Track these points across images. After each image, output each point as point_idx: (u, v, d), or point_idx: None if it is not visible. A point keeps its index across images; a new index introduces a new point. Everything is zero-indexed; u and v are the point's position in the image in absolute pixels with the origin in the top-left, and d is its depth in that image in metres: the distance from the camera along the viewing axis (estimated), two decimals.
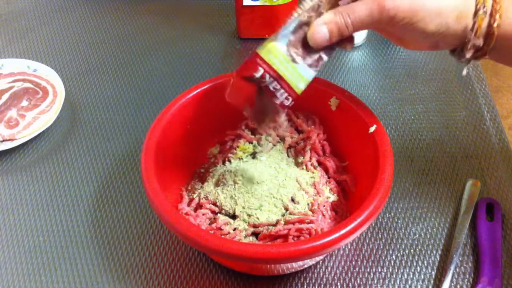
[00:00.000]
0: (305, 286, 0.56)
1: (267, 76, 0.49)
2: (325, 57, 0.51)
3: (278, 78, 0.50)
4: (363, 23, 0.47)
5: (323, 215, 0.56)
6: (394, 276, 0.57)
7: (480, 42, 0.47)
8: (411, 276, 0.56)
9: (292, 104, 0.51)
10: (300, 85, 0.50)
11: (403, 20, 0.46)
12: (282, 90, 0.50)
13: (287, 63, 0.50)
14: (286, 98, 0.51)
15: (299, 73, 0.50)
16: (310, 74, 0.50)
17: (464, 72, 0.52)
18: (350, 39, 0.50)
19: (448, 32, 0.47)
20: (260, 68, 0.49)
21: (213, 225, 0.55)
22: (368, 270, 0.57)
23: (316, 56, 0.50)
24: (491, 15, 0.46)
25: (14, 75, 0.78)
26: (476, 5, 0.46)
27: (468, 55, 0.49)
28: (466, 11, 0.46)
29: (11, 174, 0.68)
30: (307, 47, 0.49)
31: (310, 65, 0.50)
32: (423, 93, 0.77)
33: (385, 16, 0.46)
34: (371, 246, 0.59)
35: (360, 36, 0.84)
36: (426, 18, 0.46)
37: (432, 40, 0.48)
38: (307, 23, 0.49)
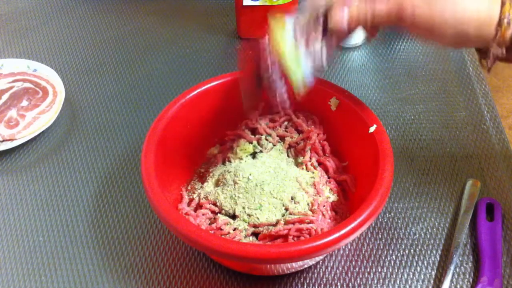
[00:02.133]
0: (305, 286, 0.56)
1: (274, 70, 0.50)
2: (325, 65, 0.51)
3: (284, 76, 0.50)
4: (382, 21, 0.48)
5: (323, 215, 0.56)
6: (394, 276, 0.57)
7: (502, 51, 0.47)
8: (411, 276, 0.56)
9: (288, 103, 0.51)
10: (300, 90, 0.51)
11: (421, 25, 0.47)
12: (283, 90, 0.51)
13: (294, 62, 0.50)
14: (284, 100, 0.52)
15: (302, 76, 0.50)
16: (310, 79, 0.51)
17: (484, 73, 0.52)
18: (375, 28, 0.51)
19: (468, 39, 0.47)
20: (270, 66, 0.50)
21: (213, 225, 0.55)
22: (368, 270, 0.57)
23: (319, 58, 0.51)
24: None
25: (14, 75, 0.78)
26: (500, 16, 0.45)
27: (490, 63, 0.48)
28: (488, 21, 0.46)
29: (11, 174, 0.68)
30: (315, 43, 0.50)
31: (311, 72, 0.51)
32: (423, 93, 0.77)
33: (404, 20, 0.47)
34: (371, 246, 0.59)
35: (360, 36, 0.84)
36: (444, 27, 0.46)
37: (453, 42, 0.48)
38: (324, 14, 0.50)
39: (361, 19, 0.48)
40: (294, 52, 0.50)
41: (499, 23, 0.46)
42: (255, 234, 0.56)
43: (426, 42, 0.52)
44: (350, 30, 0.49)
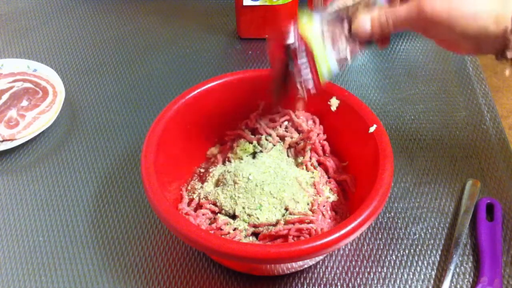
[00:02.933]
0: (305, 286, 0.56)
1: (301, 49, 0.51)
2: (349, 59, 0.53)
3: (310, 57, 0.51)
4: (403, 24, 0.50)
5: (323, 215, 0.56)
6: (394, 276, 0.57)
7: None
8: (411, 276, 0.56)
9: (314, 91, 0.53)
10: (325, 75, 0.52)
11: (441, 24, 0.48)
12: (308, 70, 0.52)
13: (321, 47, 0.52)
14: (308, 81, 0.52)
15: (327, 62, 0.52)
16: (335, 67, 0.52)
17: (507, 73, 0.52)
18: (387, 38, 0.53)
19: (488, 35, 0.47)
20: (297, 41, 0.51)
21: (213, 225, 0.55)
22: (368, 270, 0.57)
23: (344, 53, 0.52)
24: None
25: (14, 75, 0.78)
26: None
27: (510, 55, 0.48)
28: (504, 14, 0.46)
29: (11, 174, 0.68)
30: (339, 40, 0.53)
31: (336, 60, 0.53)
32: (423, 93, 0.77)
33: (423, 19, 0.48)
34: (371, 246, 0.59)
35: None
36: (464, 22, 0.47)
37: (474, 42, 0.49)
38: (348, 16, 0.52)
39: (383, 23, 0.50)
40: (321, 39, 0.52)
41: None
42: (255, 234, 0.56)
43: (445, 47, 0.53)
44: (373, 35, 0.51)
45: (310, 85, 0.53)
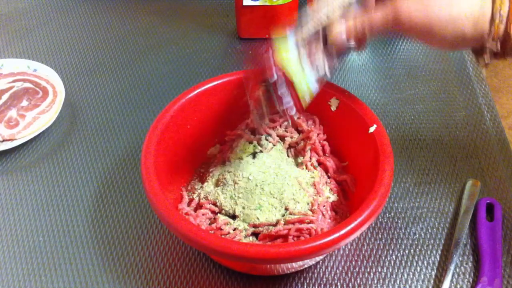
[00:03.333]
0: (305, 286, 0.56)
1: (280, 81, 0.51)
2: (328, 74, 0.53)
3: (290, 85, 0.51)
4: (379, 30, 0.50)
5: (323, 215, 0.56)
6: (394, 276, 0.57)
7: (497, 47, 0.47)
8: (411, 276, 0.56)
9: (297, 115, 0.52)
10: (306, 98, 0.52)
11: (418, 28, 0.48)
12: (289, 98, 0.52)
13: (299, 72, 0.51)
14: (291, 108, 0.53)
15: (307, 85, 0.52)
16: (315, 87, 0.53)
17: (484, 72, 0.53)
18: (363, 43, 0.52)
19: (465, 38, 0.48)
20: (275, 74, 0.51)
21: (213, 225, 0.55)
22: (368, 270, 0.57)
23: (322, 71, 0.52)
24: (508, 21, 0.46)
25: (14, 75, 0.78)
26: (492, 12, 0.46)
27: (487, 59, 0.49)
28: (482, 18, 0.46)
29: (11, 174, 0.68)
30: (316, 58, 0.52)
31: (316, 81, 0.52)
32: (423, 93, 0.77)
33: (400, 24, 0.48)
34: (371, 246, 0.59)
35: None
36: (441, 28, 0.47)
37: (451, 44, 0.49)
38: (323, 28, 0.52)
39: (358, 29, 0.50)
40: (298, 63, 0.51)
41: (492, 18, 0.46)
42: (255, 234, 0.56)
43: (424, 44, 0.53)
44: (349, 42, 0.51)
45: (293, 111, 0.53)
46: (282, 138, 0.64)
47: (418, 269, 0.57)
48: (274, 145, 0.63)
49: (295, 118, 0.56)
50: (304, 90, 0.52)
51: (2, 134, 0.70)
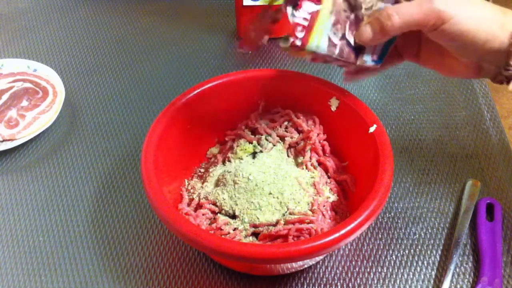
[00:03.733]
0: (305, 286, 0.56)
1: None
2: (336, 54, 0.51)
3: (312, 19, 0.49)
4: (409, 24, 0.47)
5: (323, 215, 0.56)
6: (394, 276, 0.57)
7: None
8: (411, 276, 0.56)
9: (296, 48, 0.50)
10: (313, 44, 0.50)
11: (450, 22, 0.46)
12: (302, 26, 0.49)
13: (325, 19, 0.50)
14: (296, 36, 0.50)
15: (321, 35, 0.50)
16: (324, 46, 0.50)
17: (510, 87, 0.52)
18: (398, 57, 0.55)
19: (495, 41, 0.47)
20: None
21: (213, 225, 0.55)
22: (368, 270, 0.57)
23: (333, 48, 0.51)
24: None
25: (14, 75, 0.78)
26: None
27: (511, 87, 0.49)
28: (507, 22, 0.48)
29: (11, 174, 0.68)
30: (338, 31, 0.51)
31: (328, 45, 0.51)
32: (423, 93, 0.77)
33: (433, 14, 0.46)
34: (371, 246, 0.59)
35: None
36: (473, 23, 0.46)
37: (478, 55, 0.49)
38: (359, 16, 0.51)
39: (384, 24, 0.48)
40: (325, 19, 0.50)
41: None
42: (255, 234, 0.56)
43: (445, 67, 0.54)
44: (375, 39, 0.50)
45: (299, 36, 0.50)
46: (282, 138, 0.64)
47: (418, 269, 0.57)
48: (274, 145, 0.63)
49: (295, 47, 0.51)
50: (313, 43, 0.50)
51: (2, 134, 0.70)
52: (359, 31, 0.51)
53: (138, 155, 0.70)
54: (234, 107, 0.64)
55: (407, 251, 0.58)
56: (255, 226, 0.55)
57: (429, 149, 0.69)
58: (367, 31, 0.50)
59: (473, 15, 0.47)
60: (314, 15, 0.50)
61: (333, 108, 0.62)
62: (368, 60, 0.54)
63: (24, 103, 0.74)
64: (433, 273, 0.57)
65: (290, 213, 0.55)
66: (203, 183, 0.60)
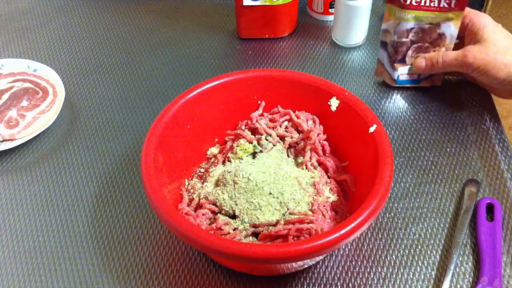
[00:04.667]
0: (305, 286, 0.56)
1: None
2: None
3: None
4: (449, 65, 0.70)
5: (323, 215, 0.56)
6: (394, 276, 0.57)
7: None
8: (411, 276, 0.56)
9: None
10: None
11: (478, 67, 0.67)
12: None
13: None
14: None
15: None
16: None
17: None
18: (434, 75, 0.76)
19: None
20: None
21: (213, 225, 0.55)
22: (368, 270, 0.57)
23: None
24: None
25: (14, 75, 0.78)
26: None
27: None
28: None
29: (11, 174, 0.68)
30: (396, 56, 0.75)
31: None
32: (423, 93, 0.77)
33: (466, 63, 0.68)
34: (371, 246, 0.59)
35: (360, 36, 0.84)
36: (496, 68, 0.66)
37: (502, 84, 0.68)
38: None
39: (434, 61, 0.71)
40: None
41: None
42: (255, 234, 0.56)
43: (481, 81, 0.72)
44: (425, 70, 0.73)
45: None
46: (282, 138, 0.64)
47: (418, 269, 0.57)
48: (274, 145, 0.63)
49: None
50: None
51: (2, 134, 0.70)
52: (416, 62, 0.73)
53: (138, 155, 0.70)
54: (234, 107, 0.64)
55: (407, 251, 0.58)
56: (255, 226, 0.55)
57: (429, 149, 0.69)
58: (422, 63, 0.72)
59: (497, 60, 0.66)
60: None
61: (333, 108, 0.62)
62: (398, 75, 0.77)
63: (24, 103, 0.74)
64: (433, 273, 0.57)
65: (290, 213, 0.55)
66: (203, 183, 0.60)
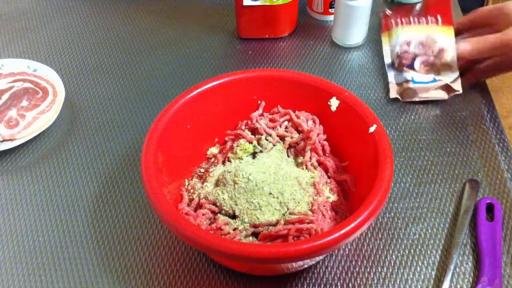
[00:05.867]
0: (305, 286, 0.56)
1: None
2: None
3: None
4: (491, 48, 0.69)
5: (323, 215, 0.56)
6: (394, 276, 0.57)
7: None
8: (411, 276, 0.56)
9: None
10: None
11: None
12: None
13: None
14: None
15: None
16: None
17: None
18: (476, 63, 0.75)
19: None
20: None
21: (213, 225, 0.55)
22: (368, 270, 0.57)
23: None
24: None
25: (14, 75, 0.78)
26: None
27: None
28: None
29: (11, 174, 0.68)
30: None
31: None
32: None
33: (506, 45, 0.67)
34: (371, 246, 0.59)
35: (360, 36, 0.84)
36: None
37: None
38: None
39: (476, 46, 0.70)
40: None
41: None
42: (255, 234, 0.56)
43: None
44: (471, 55, 0.71)
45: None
46: (282, 138, 0.64)
47: (418, 269, 0.57)
48: (274, 145, 0.63)
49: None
50: None
51: (2, 134, 0.70)
52: (459, 47, 0.71)
53: (138, 155, 0.70)
54: (234, 107, 0.64)
55: (407, 251, 0.58)
56: (255, 226, 0.55)
57: (429, 149, 0.69)
58: (467, 46, 0.71)
59: None
60: None
61: (333, 108, 0.62)
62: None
63: (24, 103, 0.74)
64: (433, 273, 0.57)
65: (290, 213, 0.55)
66: (203, 183, 0.60)
